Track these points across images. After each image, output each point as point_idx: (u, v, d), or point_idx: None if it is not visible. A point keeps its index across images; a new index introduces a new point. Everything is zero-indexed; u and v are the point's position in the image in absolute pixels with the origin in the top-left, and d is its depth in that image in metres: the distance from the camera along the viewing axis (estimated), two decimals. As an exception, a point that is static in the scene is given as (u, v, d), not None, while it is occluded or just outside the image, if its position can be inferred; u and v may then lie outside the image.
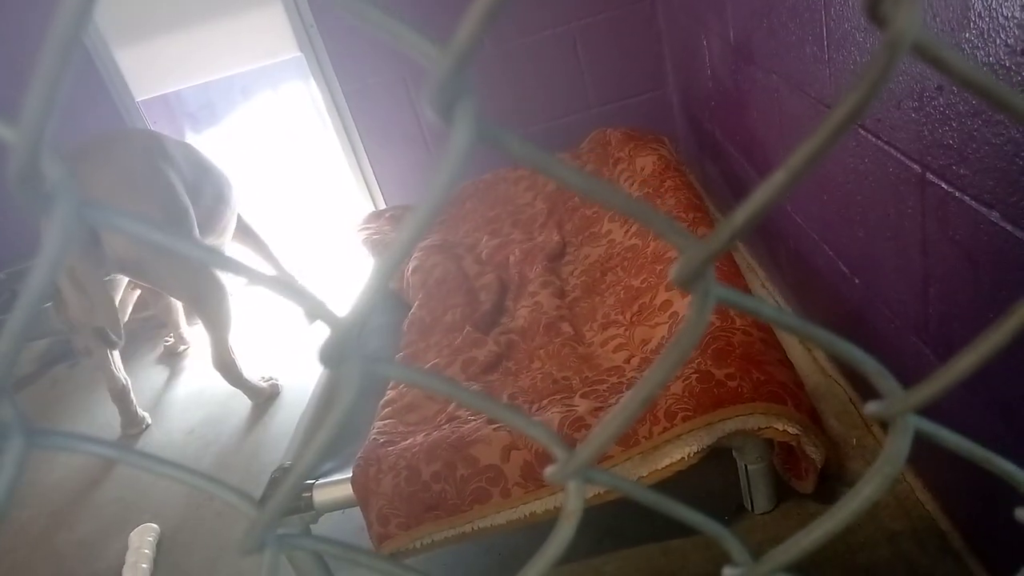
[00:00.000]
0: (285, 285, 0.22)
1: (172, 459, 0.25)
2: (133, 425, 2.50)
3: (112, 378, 2.42)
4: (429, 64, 0.18)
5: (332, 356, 0.22)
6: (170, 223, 2.10)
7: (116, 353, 2.41)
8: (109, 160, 2.12)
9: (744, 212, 0.20)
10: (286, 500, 0.24)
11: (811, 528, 0.27)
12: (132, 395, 2.49)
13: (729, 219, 0.21)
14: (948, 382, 0.24)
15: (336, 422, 0.22)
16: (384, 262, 0.20)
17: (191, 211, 2.25)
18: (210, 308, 2.29)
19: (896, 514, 1.45)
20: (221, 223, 2.51)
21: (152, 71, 2.95)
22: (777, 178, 0.19)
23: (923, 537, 1.38)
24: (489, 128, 0.19)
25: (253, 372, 2.54)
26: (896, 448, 0.25)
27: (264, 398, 2.50)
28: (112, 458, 0.25)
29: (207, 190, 2.41)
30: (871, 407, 0.26)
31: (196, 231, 2.27)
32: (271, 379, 2.56)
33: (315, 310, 0.22)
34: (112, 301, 2.22)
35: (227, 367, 2.40)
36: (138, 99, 3.02)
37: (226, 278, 2.43)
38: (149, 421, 2.55)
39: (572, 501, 0.26)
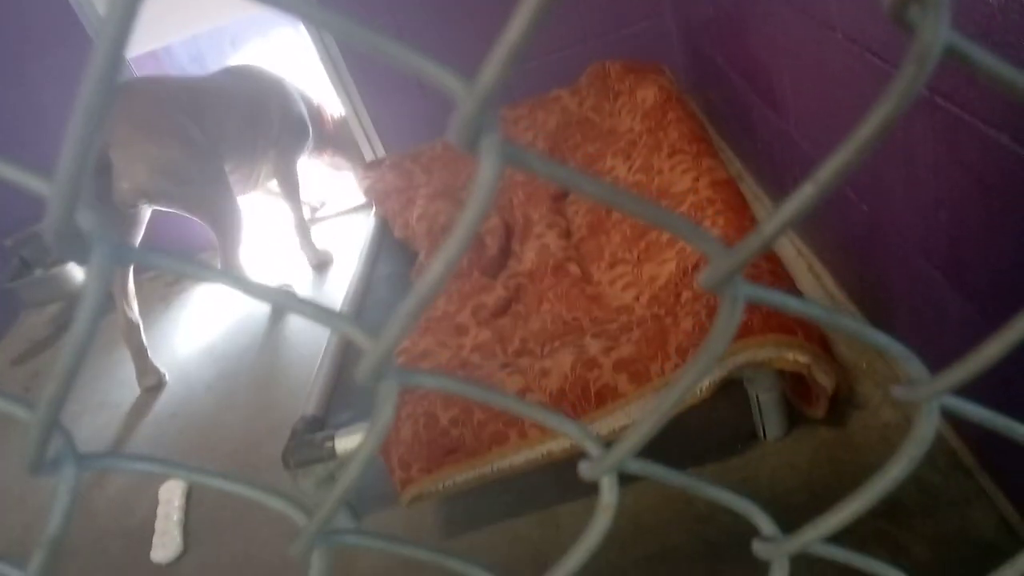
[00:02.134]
0: (319, 311, 0.23)
1: (216, 471, 0.26)
2: (146, 376, 2.57)
3: (123, 314, 2.51)
4: (454, 100, 0.18)
5: (370, 376, 0.22)
6: (186, 157, 2.32)
7: (130, 288, 2.51)
8: (123, 104, 2.29)
9: (773, 224, 0.20)
10: (333, 508, 0.25)
11: (839, 507, 0.28)
12: (144, 340, 2.57)
13: (758, 230, 0.21)
14: (977, 367, 0.24)
15: (379, 435, 0.23)
16: (420, 291, 0.20)
17: (204, 146, 2.41)
18: (226, 224, 2.48)
19: (906, 434, 1.48)
20: (249, 157, 2.66)
21: (140, 26, 2.88)
22: (806, 191, 0.19)
23: (935, 455, 1.41)
24: (514, 154, 0.19)
25: (268, 277, 2.77)
26: (923, 431, 0.26)
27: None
28: (162, 472, 0.26)
29: (231, 125, 2.55)
30: (898, 391, 0.27)
31: (215, 158, 2.45)
32: (285, 285, 2.77)
33: (352, 333, 0.22)
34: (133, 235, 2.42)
35: (237, 272, 2.57)
36: (128, 55, 2.96)
37: (241, 202, 2.58)
38: (166, 379, 2.60)
39: (607, 495, 0.27)
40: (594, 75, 2.63)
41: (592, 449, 0.26)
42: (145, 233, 2.52)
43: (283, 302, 0.23)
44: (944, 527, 1.30)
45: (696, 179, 1.81)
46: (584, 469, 0.27)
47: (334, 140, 3.09)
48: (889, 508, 1.36)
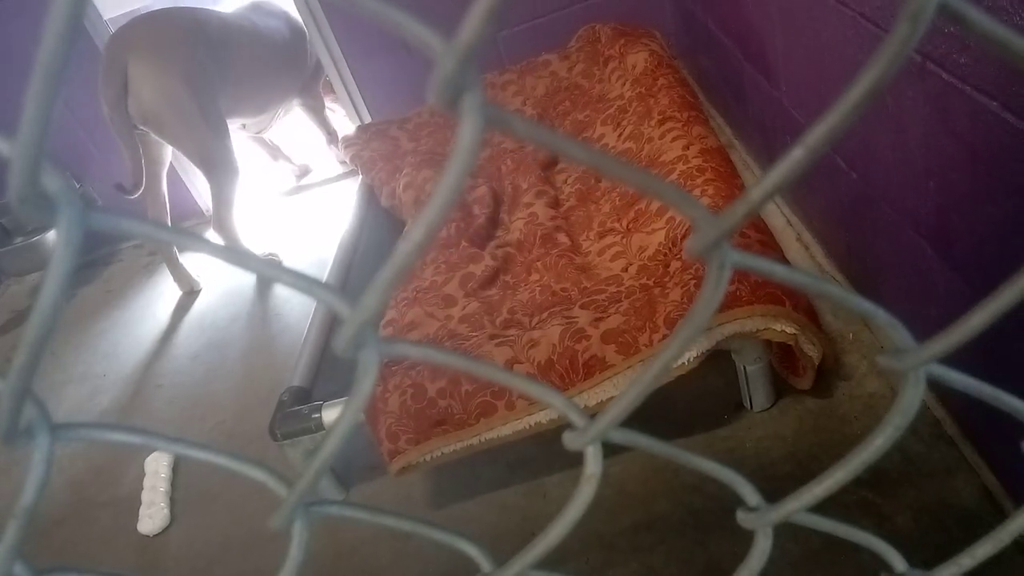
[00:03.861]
0: (299, 279, 0.22)
1: (197, 441, 0.26)
2: (182, 282, 2.83)
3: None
4: (434, 58, 0.17)
5: (349, 345, 0.22)
6: (190, 95, 2.36)
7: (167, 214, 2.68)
8: (149, 28, 2.38)
9: (761, 189, 0.20)
10: (313, 479, 0.24)
11: (823, 477, 0.27)
12: (176, 250, 2.77)
13: (746, 195, 0.20)
14: (962, 336, 0.24)
15: (358, 406, 0.23)
16: (400, 258, 0.20)
17: (217, 88, 2.47)
18: (217, 173, 2.51)
19: (891, 404, 1.49)
20: (261, 97, 2.74)
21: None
22: (795, 155, 0.19)
23: (918, 425, 1.43)
24: (496, 115, 0.18)
25: (254, 246, 2.78)
26: (908, 400, 0.26)
27: None
28: (141, 443, 0.26)
29: (248, 65, 2.61)
30: (883, 360, 0.26)
31: (218, 106, 2.49)
32: (271, 254, 2.80)
33: (330, 302, 0.22)
34: (136, 151, 2.46)
35: (226, 231, 2.62)
36: (106, 16, 2.90)
37: (236, 152, 2.59)
38: (200, 286, 2.86)
39: (591, 465, 0.27)
40: (584, 39, 2.59)
41: (576, 419, 0.26)
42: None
43: (262, 269, 0.23)
44: (927, 497, 1.32)
45: (686, 147, 1.80)
46: (568, 439, 0.26)
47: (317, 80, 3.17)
48: (873, 477, 1.38)
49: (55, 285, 0.19)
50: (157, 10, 2.49)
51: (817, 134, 0.18)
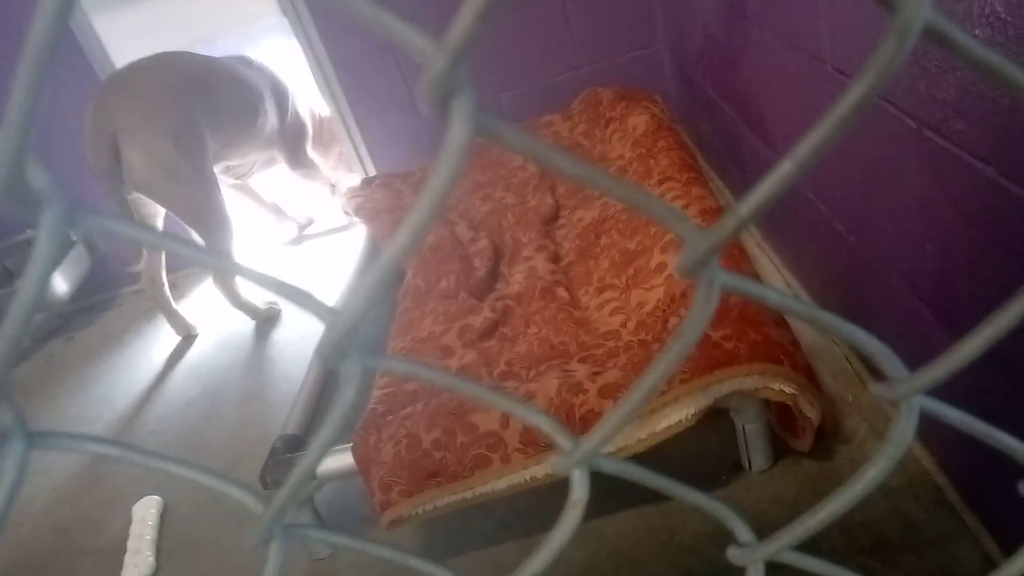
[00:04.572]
0: (285, 288, 0.22)
1: (174, 456, 0.25)
2: (179, 328, 2.81)
3: (148, 275, 2.66)
4: (423, 60, 0.17)
5: (332, 354, 0.21)
6: (181, 155, 2.35)
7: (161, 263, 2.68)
8: (131, 92, 2.33)
9: (750, 203, 0.20)
10: (291, 494, 0.24)
11: (815, 510, 0.27)
12: (170, 296, 2.77)
13: (734, 211, 0.20)
14: (954, 365, 0.24)
15: (339, 418, 0.22)
16: (384, 262, 0.20)
17: (206, 140, 2.45)
18: (212, 228, 2.50)
19: (893, 470, 1.47)
20: (244, 142, 2.71)
21: (132, 38, 2.90)
22: (784, 168, 0.19)
23: (919, 492, 1.41)
24: (487, 122, 0.18)
25: (254, 297, 2.77)
26: (902, 430, 0.25)
27: (264, 319, 2.76)
28: (116, 456, 0.25)
29: (231, 109, 2.59)
30: (877, 389, 0.26)
31: (208, 161, 2.48)
32: (271, 303, 2.79)
33: (316, 309, 0.22)
34: (130, 214, 2.43)
35: (225, 284, 2.63)
36: (118, 65, 2.96)
37: (230, 208, 2.60)
38: (196, 331, 2.83)
39: (577, 490, 0.26)
40: (586, 101, 2.65)
41: (563, 442, 0.26)
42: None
43: (249, 275, 0.23)
44: (928, 564, 1.29)
45: (685, 207, 1.82)
46: (555, 463, 0.26)
47: (323, 140, 3.17)
48: (873, 543, 1.35)
49: (35, 278, 0.19)
50: (139, 64, 2.45)
51: (805, 147, 0.18)
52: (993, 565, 1.24)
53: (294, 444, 1.67)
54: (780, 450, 1.56)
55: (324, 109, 3.14)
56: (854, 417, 1.61)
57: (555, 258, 2.05)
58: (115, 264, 3.21)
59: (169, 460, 0.25)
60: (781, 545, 0.27)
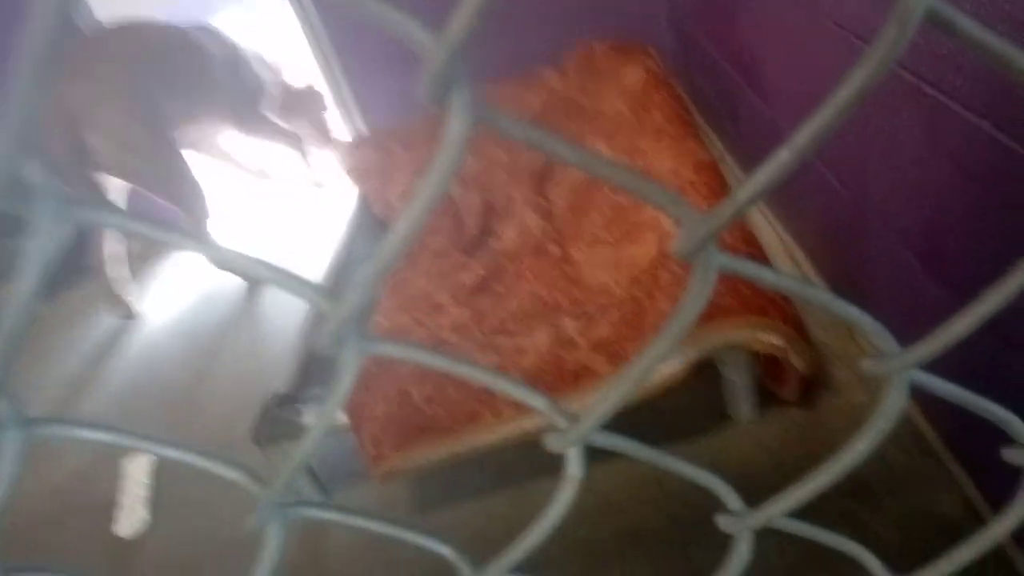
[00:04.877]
0: (278, 273, 0.22)
1: (172, 439, 0.25)
2: (117, 308, 2.74)
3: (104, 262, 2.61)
4: (423, 52, 0.17)
5: (331, 341, 0.21)
6: (144, 129, 2.31)
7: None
8: (84, 74, 2.26)
9: (748, 189, 0.20)
10: (287, 480, 0.24)
11: (805, 481, 0.27)
12: (128, 271, 2.71)
13: (732, 196, 0.20)
14: (946, 341, 0.24)
15: (337, 404, 0.22)
16: (384, 253, 0.20)
17: (164, 109, 2.39)
18: (185, 203, 2.49)
19: (875, 407, 1.50)
20: (200, 112, 2.62)
21: (124, 4, 2.81)
22: (782, 156, 0.19)
23: (903, 439, 1.44)
24: (485, 112, 0.18)
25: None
26: (892, 404, 0.26)
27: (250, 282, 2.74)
28: (116, 442, 0.25)
29: (185, 77, 2.51)
30: (868, 364, 0.26)
31: (169, 130, 2.43)
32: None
33: (314, 298, 0.22)
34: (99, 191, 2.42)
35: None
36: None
37: (199, 175, 2.55)
38: (137, 308, 2.78)
39: (573, 467, 0.26)
40: (580, 55, 2.60)
41: (559, 421, 0.26)
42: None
43: (243, 265, 0.23)
44: (910, 508, 1.32)
45: (679, 161, 1.81)
46: (550, 441, 0.26)
47: (296, 108, 3.08)
48: (856, 488, 1.38)
49: (33, 276, 0.19)
50: (88, 42, 2.37)
51: (805, 135, 0.18)
52: (973, 508, 1.28)
53: (286, 401, 1.68)
54: (766, 400, 1.59)
55: (301, 80, 3.06)
56: (840, 365, 1.64)
57: (547, 214, 2.04)
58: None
59: (166, 445, 0.25)
60: (770, 514, 0.28)
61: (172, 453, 0.25)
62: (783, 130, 1.80)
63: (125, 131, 2.26)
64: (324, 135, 3.19)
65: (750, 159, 2.21)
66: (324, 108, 3.15)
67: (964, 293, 1.17)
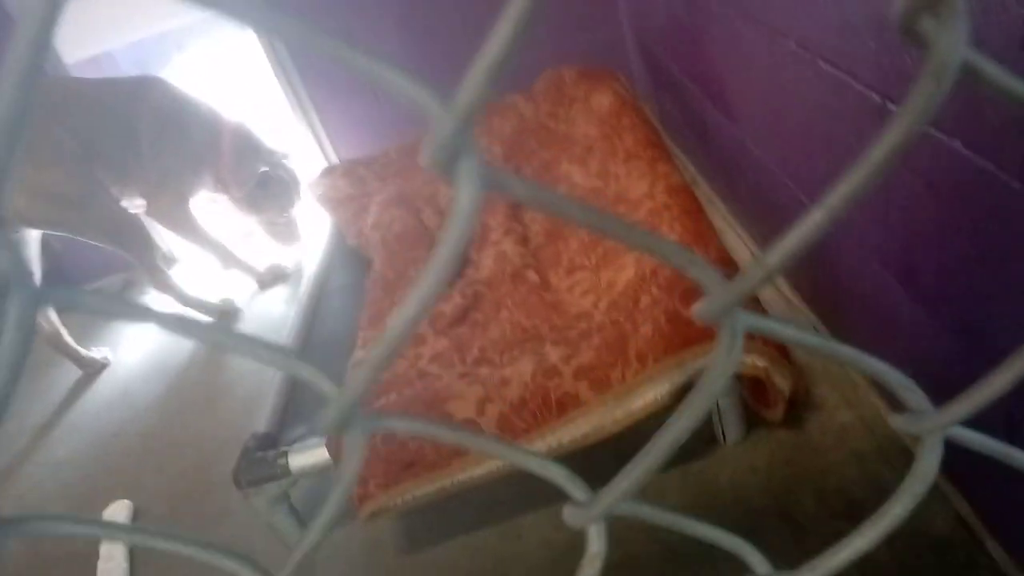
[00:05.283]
0: (276, 352, 0.20)
1: (162, 529, 0.23)
2: (86, 365, 2.65)
3: (38, 325, 2.48)
4: (429, 119, 0.16)
5: (335, 427, 0.20)
6: (68, 180, 2.18)
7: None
8: None
9: (778, 253, 0.19)
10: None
11: (838, 548, 0.26)
12: (69, 339, 2.58)
13: (761, 260, 0.19)
14: (982, 400, 0.23)
15: (345, 492, 0.21)
16: (392, 334, 0.18)
17: (91, 162, 2.25)
18: (124, 244, 2.38)
19: (863, 435, 1.50)
20: (127, 175, 2.40)
21: (81, 31, 2.77)
22: (815, 218, 0.18)
23: (889, 456, 1.44)
24: (494, 177, 0.17)
25: (206, 294, 2.66)
26: (926, 466, 0.25)
27: (218, 315, 2.65)
28: (97, 536, 0.23)
29: (106, 137, 2.31)
30: (898, 422, 0.25)
31: (99, 177, 2.29)
32: (224, 300, 2.69)
33: (314, 380, 0.20)
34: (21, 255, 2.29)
35: (165, 290, 2.52)
36: (68, 62, 2.84)
37: (134, 213, 2.43)
38: (108, 360, 2.69)
39: (595, 543, 0.25)
40: (549, 81, 2.62)
41: (578, 495, 0.24)
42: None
43: (232, 344, 0.21)
44: (901, 527, 1.32)
45: (652, 184, 1.82)
46: (569, 515, 0.25)
47: (260, 198, 2.69)
48: (846, 508, 1.38)
49: (6, 373, 0.17)
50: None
51: (838, 195, 0.17)
52: (965, 524, 1.28)
53: (266, 442, 1.64)
54: (753, 421, 1.59)
55: (279, 157, 2.71)
56: (824, 385, 1.64)
57: (524, 241, 2.04)
58: (70, 263, 3.12)
59: (156, 535, 0.23)
60: (803, 581, 0.26)
61: (164, 545, 0.23)
62: (750, 148, 1.82)
63: (50, 184, 2.15)
64: (287, 232, 2.82)
65: (720, 178, 2.23)
66: (297, 197, 2.79)
67: (939, 308, 1.18)
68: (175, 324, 0.19)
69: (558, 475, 0.24)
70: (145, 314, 0.19)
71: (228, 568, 0.24)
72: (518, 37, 0.15)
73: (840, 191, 0.17)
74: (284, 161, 2.73)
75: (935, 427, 0.24)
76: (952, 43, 0.16)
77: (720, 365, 0.21)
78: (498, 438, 0.24)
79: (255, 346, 0.21)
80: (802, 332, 0.22)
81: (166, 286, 2.51)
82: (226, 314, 2.66)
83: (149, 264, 2.44)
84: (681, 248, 0.20)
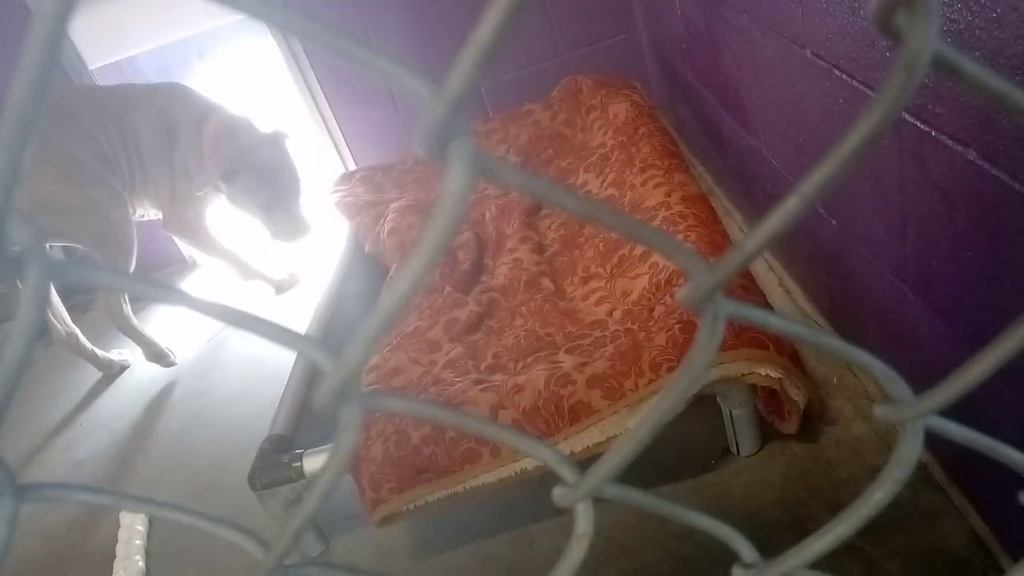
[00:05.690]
0: (280, 331, 0.21)
1: (171, 501, 0.24)
2: (106, 368, 2.66)
3: (57, 329, 2.52)
4: (421, 105, 0.17)
5: (331, 400, 0.21)
6: (69, 186, 2.20)
7: (55, 300, 2.52)
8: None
9: (756, 239, 0.19)
10: (289, 543, 0.23)
11: (823, 531, 0.27)
12: (86, 341, 2.60)
13: (740, 246, 0.20)
14: (961, 388, 0.23)
15: (339, 466, 0.22)
16: (384, 312, 0.19)
17: (93, 166, 2.26)
18: (114, 259, 2.35)
19: (878, 449, 1.49)
20: (153, 182, 2.42)
21: (104, 37, 2.83)
22: (790, 204, 0.19)
23: (904, 470, 1.42)
24: (485, 164, 0.18)
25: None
26: (908, 452, 0.25)
27: (153, 358, 2.59)
28: (111, 504, 0.24)
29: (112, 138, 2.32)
30: (880, 411, 0.26)
31: (102, 183, 2.28)
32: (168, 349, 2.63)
33: (312, 355, 0.21)
34: None
35: (116, 317, 2.49)
36: (91, 67, 2.91)
37: (129, 232, 2.40)
38: (128, 362, 2.70)
39: (583, 523, 0.26)
40: (566, 90, 2.64)
41: (567, 475, 0.25)
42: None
43: (239, 321, 0.22)
44: (916, 542, 1.31)
45: (668, 193, 1.82)
46: (559, 496, 0.25)
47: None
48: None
49: (22, 342, 0.18)
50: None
51: (813, 183, 0.18)
52: (980, 541, 1.26)
53: (281, 445, 1.65)
54: (767, 434, 1.58)
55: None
56: (839, 398, 1.63)
57: (539, 249, 2.05)
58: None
59: (164, 506, 0.24)
60: (788, 568, 0.27)
61: (171, 515, 0.24)
62: (767, 158, 1.82)
63: (49, 190, 2.17)
64: (291, 225, 2.60)
65: (737, 188, 2.23)
66: (293, 182, 2.59)
67: (955, 319, 1.17)
68: (178, 298, 0.20)
69: (550, 457, 0.25)
70: (150, 287, 0.20)
71: (232, 539, 0.25)
72: (507, 24, 0.16)
73: (814, 179, 0.18)
74: (272, 144, 2.51)
75: (915, 414, 0.24)
76: (923, 36, 0.16)
77: (701, 349, 0.21)
78: (489, 421, 0.25)
79: (262, 324, 0.22)
80: (786, 322, 0.23)
81: (117, 316, 2.47)
82: (160, 358, 2.61)
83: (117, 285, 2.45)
84: (665, 235, 0.20)
